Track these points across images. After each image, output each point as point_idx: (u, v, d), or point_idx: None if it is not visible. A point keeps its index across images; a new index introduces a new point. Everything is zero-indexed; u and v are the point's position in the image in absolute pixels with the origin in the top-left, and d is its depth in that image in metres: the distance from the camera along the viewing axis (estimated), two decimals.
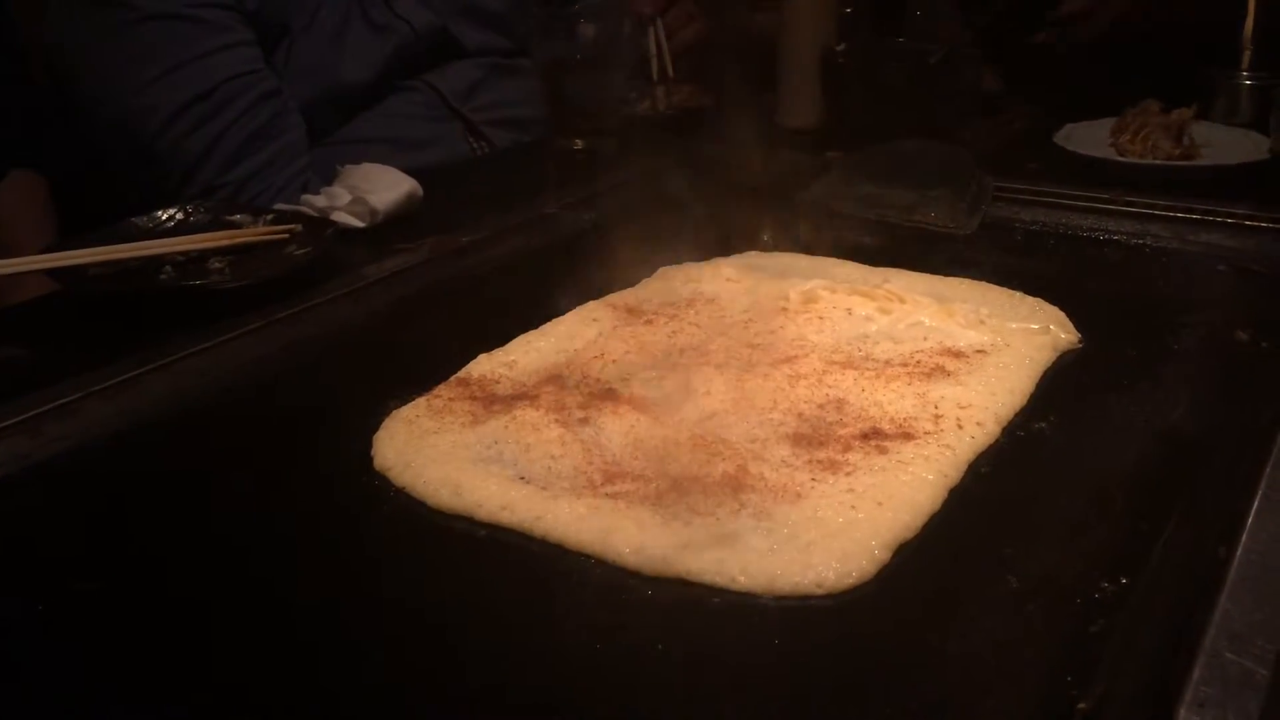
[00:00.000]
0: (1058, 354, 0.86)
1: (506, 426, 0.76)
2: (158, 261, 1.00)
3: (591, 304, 0.98)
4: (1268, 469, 0.64)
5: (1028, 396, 0.79)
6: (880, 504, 0.65)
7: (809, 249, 1.11)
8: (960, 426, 0.74)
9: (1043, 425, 0.76)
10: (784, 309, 0.94)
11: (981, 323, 0.89)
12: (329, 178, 1.24)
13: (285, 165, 1.37)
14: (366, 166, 1.22)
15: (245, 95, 1.33)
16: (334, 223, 1.13)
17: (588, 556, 0.63)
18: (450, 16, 1.53)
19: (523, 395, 0.81)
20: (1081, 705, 0.49)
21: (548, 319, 0.95)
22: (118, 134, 1.35)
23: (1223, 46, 1.46)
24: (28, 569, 0.65)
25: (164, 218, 1.10)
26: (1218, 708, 0.47)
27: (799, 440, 0.74)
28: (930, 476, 0.68)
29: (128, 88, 1.31)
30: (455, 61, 1.55)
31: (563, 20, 1.47)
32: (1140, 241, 1.12)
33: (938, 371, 0.82)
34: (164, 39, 1.31)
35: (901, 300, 0.93)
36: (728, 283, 1.01)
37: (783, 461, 0.71)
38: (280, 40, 1.41)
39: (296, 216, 1.12)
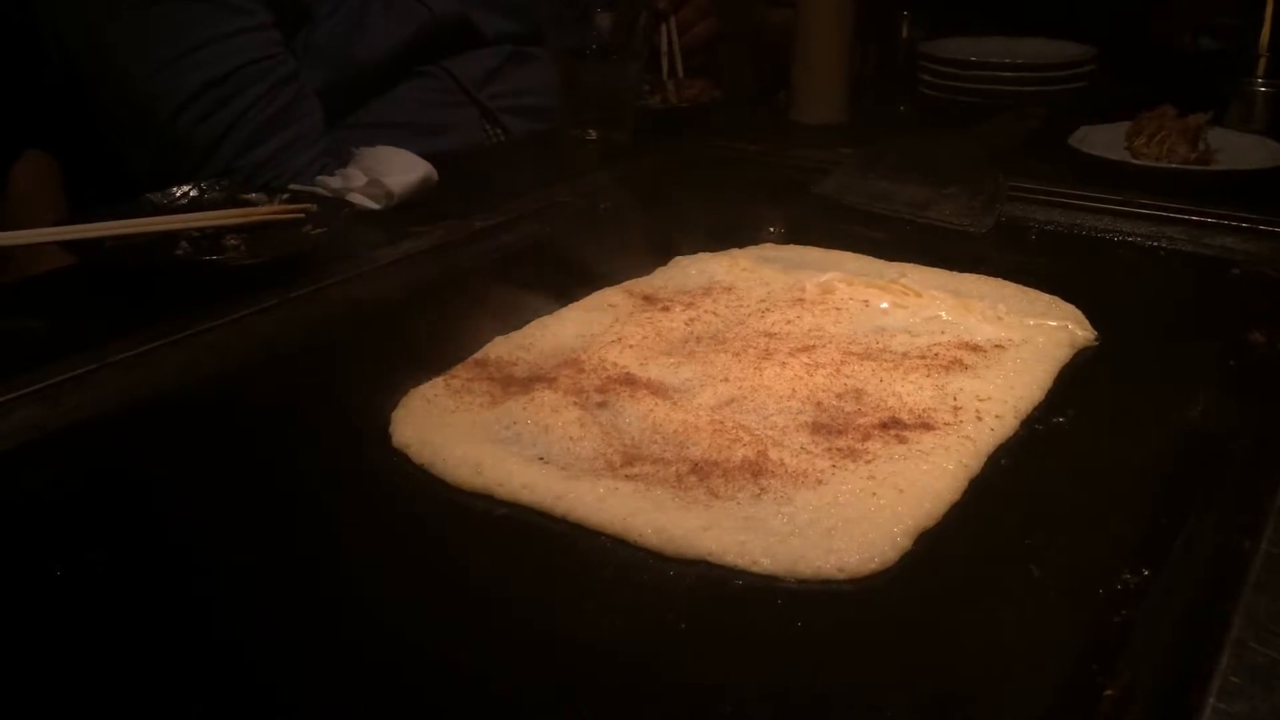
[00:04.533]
0: (1075, 351, 0.86)
1: (525, 408, 0.76)
2: (173, 237, 1.00)
3: (608, 290, 0.98)
4: None
5: (1046, 391, 0.79)
6: (902, 491, 0.65)
7: (823, 243, 1.11)
8: (979, 418, 0.74)
9: (1061, 420, 0.76)
10: (801, 300, 0.94)
11: (999, 318, 0.89)
12: (344, 160, 1.24)
13: (301, 150, 1.36)
14: (382, 149, 1.21)
15: (262, 80, 1.33)
16: (349, 204, 1.13)
17: (608, 536, 0.63)
18: (472, 6, 1.53)
19: (540, 378, 0.81)
20: (1108, 692, 0.49)
21: (562, 304, 0.95)
22: (131, 118, 1.34)
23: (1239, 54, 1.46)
24: (44, 536, 0.65)
25: (179, 194, 1.09)
26: (1246, 698, 0.47)
27: (818, 428, 0.74)
28: (951, 466, 0.68)
29: (141, 71, 1.30)
30: (473, 48, 1.55)
31: (578, 9, 1.46)
32: (1155, 244, 1.12)
33: (956, 365, 0.82)
34: (179, 21, 1.30)
35: (918, 294, 0.93)
36: (744, 273, 1.01)
37: (802, 448, 0.71)
38: (301, 23, 1.40)
39: (311, 197, 1.12)
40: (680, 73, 1.70)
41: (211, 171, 1.30)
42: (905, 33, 1.86)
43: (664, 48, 1.69)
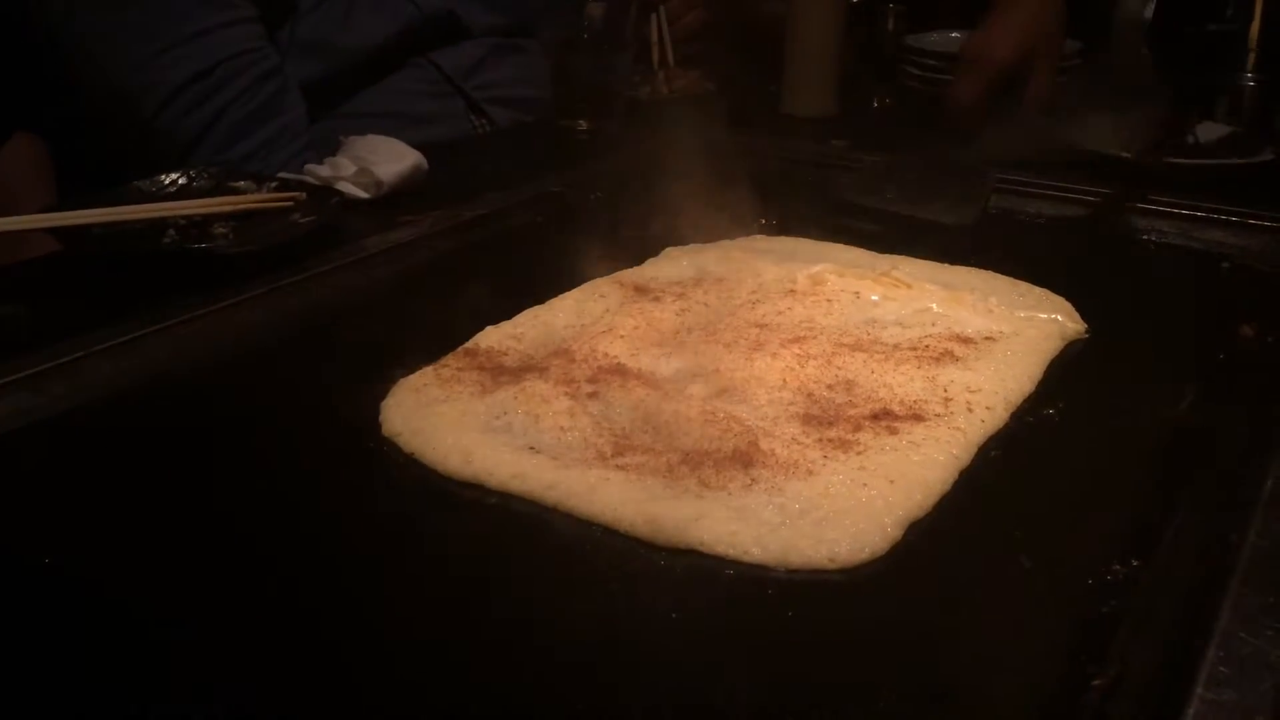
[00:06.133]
0: (1065, 343, 0.86)
1: (515, 397, 0.75)
2: (161, 224, 0.99)
3: (599, 280, 0.97)
4: (1278, 458, 0.64)
5: (1036, 383, 0.80)
6: (892, 482, 0.65)
7: (814, 234, 1.11)
8: (970, 410, 0.74)
9: (1051, 411, 0.76)
10: (792, 291, 0.93)
11: (990, 311, 0.89)
12: (331, 150, 1.23)
13: (284, 145, 1.35)
14: (372, 138, 1.21)
15: (246, 74, 1.32)
16: (338, 192, 1.12)
17: (599, 526, 0.63)
18: (458, 0, 1.52)
19: (531, 367, 0.81)
20: (1097, 682, 0.49)
21: (553, 294, 0.94)
22: (115, 110, 1.33)
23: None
24: (32, 525, 0.65)
25: (167, 182, 1.09)
26: (1234, 688, 0.47)
27: (809, 419, 0.74)
28: (941, 457, 0.68)
29: (126, 64, 1.29)
30: (459, 39, 1.54)
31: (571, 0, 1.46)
32: (1145, 237, 1.13)
33: (946, 356, 0.82)
34: (164, 14, 1.29)
35: (909, 286, 0.93)
36: (735, 264, 1.01)
37: (793, 439, 0.71)
38: (286, 17, 1.40)
39: (300, 185, 1.11)
40: (671, 63, 1.69)
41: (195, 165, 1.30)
42: (890, 25, 1.86)
43: (654, 38, 1.69)
